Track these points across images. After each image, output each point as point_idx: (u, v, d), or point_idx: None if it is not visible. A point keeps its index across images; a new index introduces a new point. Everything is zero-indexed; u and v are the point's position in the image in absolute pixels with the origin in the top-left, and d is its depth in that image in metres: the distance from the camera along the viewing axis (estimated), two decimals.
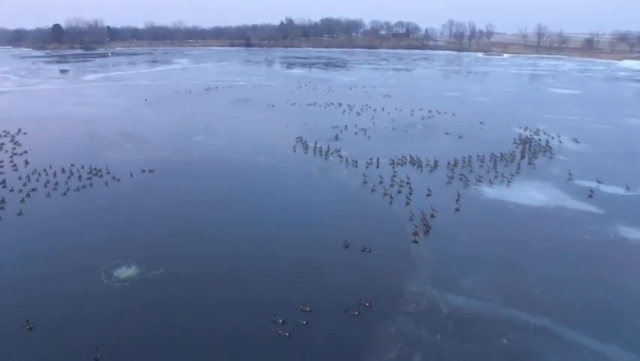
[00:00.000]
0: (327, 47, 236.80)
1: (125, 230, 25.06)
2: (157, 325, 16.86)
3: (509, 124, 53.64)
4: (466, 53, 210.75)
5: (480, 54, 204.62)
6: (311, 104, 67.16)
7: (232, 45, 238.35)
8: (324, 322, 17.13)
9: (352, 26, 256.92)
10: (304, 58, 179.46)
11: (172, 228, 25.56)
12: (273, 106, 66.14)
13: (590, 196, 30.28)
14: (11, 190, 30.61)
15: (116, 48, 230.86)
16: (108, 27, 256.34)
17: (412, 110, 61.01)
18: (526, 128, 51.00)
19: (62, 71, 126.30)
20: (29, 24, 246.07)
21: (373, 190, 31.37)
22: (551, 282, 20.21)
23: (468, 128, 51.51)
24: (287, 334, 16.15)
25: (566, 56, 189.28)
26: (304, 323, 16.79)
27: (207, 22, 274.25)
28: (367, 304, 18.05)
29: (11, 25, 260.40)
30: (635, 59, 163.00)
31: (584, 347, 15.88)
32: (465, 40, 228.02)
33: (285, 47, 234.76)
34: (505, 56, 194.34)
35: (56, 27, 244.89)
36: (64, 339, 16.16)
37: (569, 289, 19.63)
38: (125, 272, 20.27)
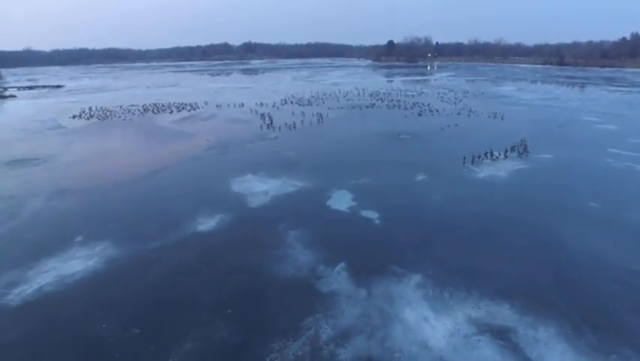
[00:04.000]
0: None
1: None
2: None
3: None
4: None
5: None
6: None
7: (544, 63, 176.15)
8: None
9: None
10: None
11: None
12: None
13: None
14: None
15: (435, 62, 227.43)
16: (437, 43, 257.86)
17: None
18: None
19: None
20: (374, 42, 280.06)
21: None
22: None
23: None
24: None
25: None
26: None
27: (529, 40, 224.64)
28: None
29: (368, 43, 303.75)
30: None
31: None
32: None
33: (603, 66, 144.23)
34: None
35: (390, 43, 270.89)
36: None
37: None
38: None
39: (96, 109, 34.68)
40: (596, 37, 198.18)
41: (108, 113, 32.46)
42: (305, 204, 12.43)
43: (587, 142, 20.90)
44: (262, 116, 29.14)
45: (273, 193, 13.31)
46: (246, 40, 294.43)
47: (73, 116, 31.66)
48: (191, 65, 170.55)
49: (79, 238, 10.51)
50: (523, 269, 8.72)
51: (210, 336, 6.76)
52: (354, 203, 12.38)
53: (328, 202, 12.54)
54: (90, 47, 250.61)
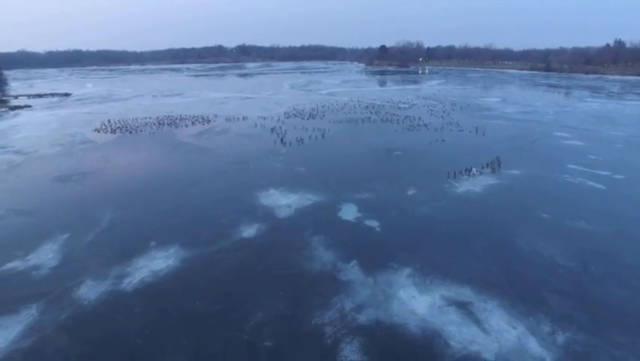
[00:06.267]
0: None
1: None
2: None
3: None
4: None
5: None
6: None
7: (532, 69, 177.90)
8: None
9: None
10: None
11: None
12: None
13: None
14: None
15: (426, 67, 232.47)
16: (428, 47, 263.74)
17: None
18: None
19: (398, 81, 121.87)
20: (367, 44, 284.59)
21: None
22: None
23: None
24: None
25: None
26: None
27: (518, 45, 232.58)
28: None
29: (361, 45, 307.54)
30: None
31: None
32: None
33: (587, 72, 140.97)
34: None
35: (382, 47, 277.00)
36: None
37: None
38: None
39: (114, 122, 37.85)
40: (582, 44, 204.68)
41: (128, 127, 35.67)
42: (321, 216, 16.06)
43: (552, 158, 24.84)
44: (272, 130, 32.75)
45: (295, 206, 16.93)
46: (240, 42, 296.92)
47: (96, 130, 34.85)
48: (187, 69, 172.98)
49: (153, 243, 14.01)
50: (483, 264, 12.48)
51: (271, 309, 10.38)
52: (360, 214, 16.07)
53: (339, 214, 16.21)
54: (84, 48, 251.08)
